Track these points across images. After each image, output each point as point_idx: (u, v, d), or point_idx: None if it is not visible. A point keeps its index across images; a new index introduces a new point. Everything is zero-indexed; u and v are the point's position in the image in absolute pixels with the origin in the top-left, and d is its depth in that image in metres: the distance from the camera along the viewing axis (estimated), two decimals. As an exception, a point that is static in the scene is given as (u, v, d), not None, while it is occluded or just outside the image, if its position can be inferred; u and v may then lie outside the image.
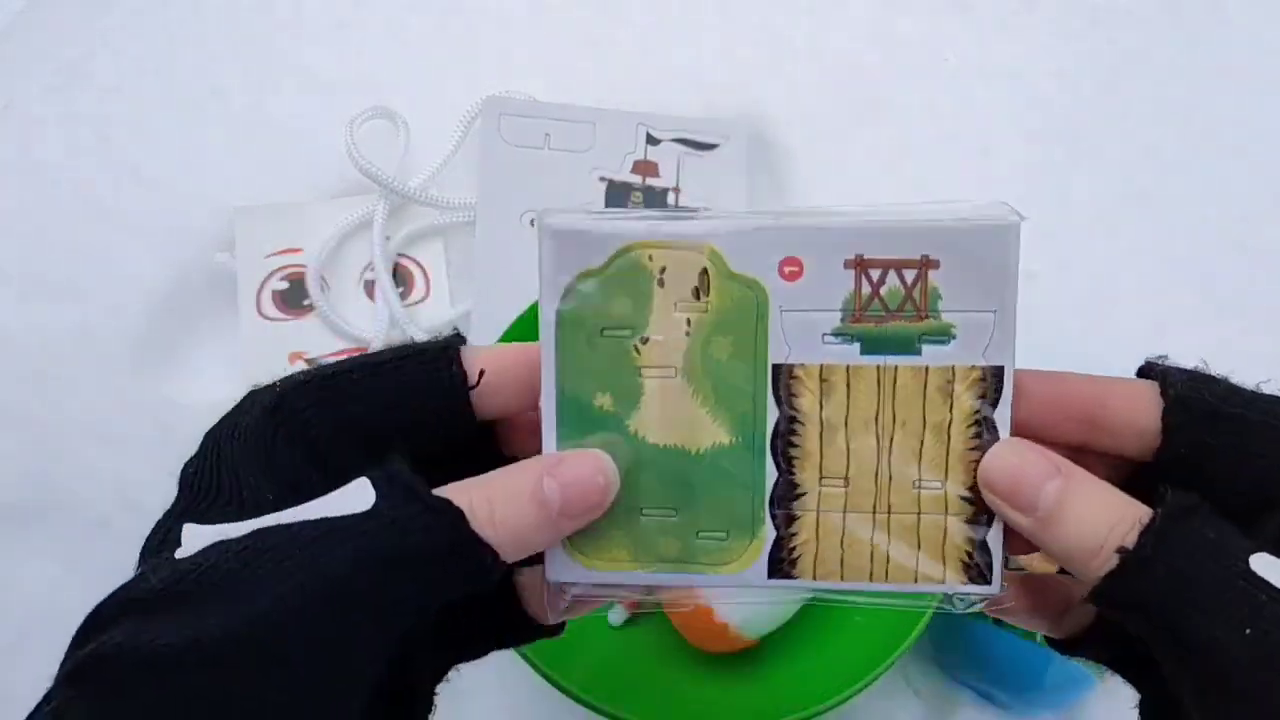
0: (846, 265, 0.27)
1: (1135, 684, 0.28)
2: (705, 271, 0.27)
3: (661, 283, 0.28)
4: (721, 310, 0.28)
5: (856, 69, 0.66)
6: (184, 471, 0.26)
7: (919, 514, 0.28)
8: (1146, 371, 0.27)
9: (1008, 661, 0.48)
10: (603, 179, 0.62)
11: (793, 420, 0.28)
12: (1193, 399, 0.25)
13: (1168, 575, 0.22)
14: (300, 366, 0.59)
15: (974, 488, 0.27)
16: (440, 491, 0.23)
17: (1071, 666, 0.48)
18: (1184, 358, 0.59)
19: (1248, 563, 0.22)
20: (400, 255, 0.62)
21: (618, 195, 0.62)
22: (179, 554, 0.23)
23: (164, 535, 0.24)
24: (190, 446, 0.59)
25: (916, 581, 0.28)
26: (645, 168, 0.63)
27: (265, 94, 0.66)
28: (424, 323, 0.59)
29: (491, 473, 0.25)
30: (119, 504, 0.56)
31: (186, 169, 0.64)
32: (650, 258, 0.27)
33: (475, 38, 0.68)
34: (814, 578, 0.29)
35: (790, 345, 0.28)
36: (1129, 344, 0.60)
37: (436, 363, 0.26)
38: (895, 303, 0.27)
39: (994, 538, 0.27)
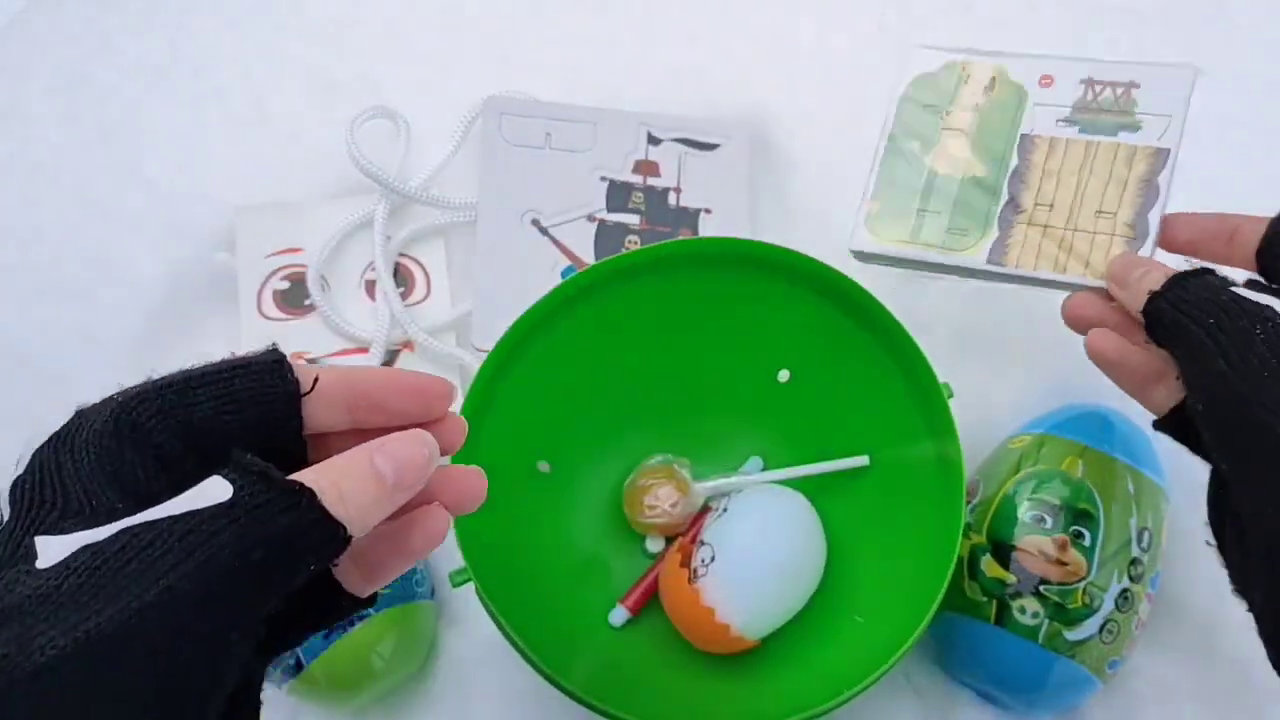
0: (1081, 82, 0.49)
1: (1208, 460, 0.38)
2: (994, 77, 0.50)
3: (966, 80, 0.51)
4: (999, 101, 0.50)
5: (858, 68, 0.66)
6: (12, 490, 0.26)
7: (1094, 232, 0.46)
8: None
9: (1009, 662, 0.48)
10: (604, 179, 0.62)
11: (1025, 167, 0.48)
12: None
13: (1180, 299, 0.38)
14: (301, 366, 0.59)
15: (1134, 221, 0.46)
16: (291, 477, 0.25)
17: (1073, 668, 0.48)
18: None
19: (1231, 289, 0.37)
20: (401, 255, 0.62)
21: (619, 195, 0.62)
22: (40, 564, 0.23)
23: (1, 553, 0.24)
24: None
25: (1086, 273, 0.45)
26: (646, 167, 0.62)
27: (266, 93, 0.66)
28: (425, 322, 0.59)
29: (329, 460, 0.27)
30: (119, 504, 0.55)
31: (187, 168, 0.64)
32: (963, 67, 0.51)
33: (476, 37, 0.68)
34: (1015, 265, 0.47)
35: (1035, 123, 0.49)
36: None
37: (270, 372, 0.28)
38: (1108, 105, 0.48)
39: (1144, 252, 0.45)
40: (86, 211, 0.62)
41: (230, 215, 0.62)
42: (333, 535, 0.25)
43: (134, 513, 0.24)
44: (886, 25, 0.68)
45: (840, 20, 0.68)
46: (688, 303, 0.52)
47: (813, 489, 0.53)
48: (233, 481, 0.24)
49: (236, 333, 0.60)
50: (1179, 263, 0.42)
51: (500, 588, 0.45)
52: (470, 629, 0.54)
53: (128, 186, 0.63)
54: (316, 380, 0.29)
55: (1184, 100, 0.47)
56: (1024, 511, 0.49)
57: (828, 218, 0.63)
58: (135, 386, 0.28)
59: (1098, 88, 0.49)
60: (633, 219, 0.62)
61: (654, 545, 0.54)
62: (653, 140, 0.63)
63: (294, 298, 0.60)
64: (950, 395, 0.48)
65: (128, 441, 0.26)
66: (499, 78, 0.65)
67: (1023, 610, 0.48)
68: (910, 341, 0.48)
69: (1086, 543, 0.48)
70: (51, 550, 0.23)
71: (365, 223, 0.61)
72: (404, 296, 0.60)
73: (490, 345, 0.48)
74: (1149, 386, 0.41)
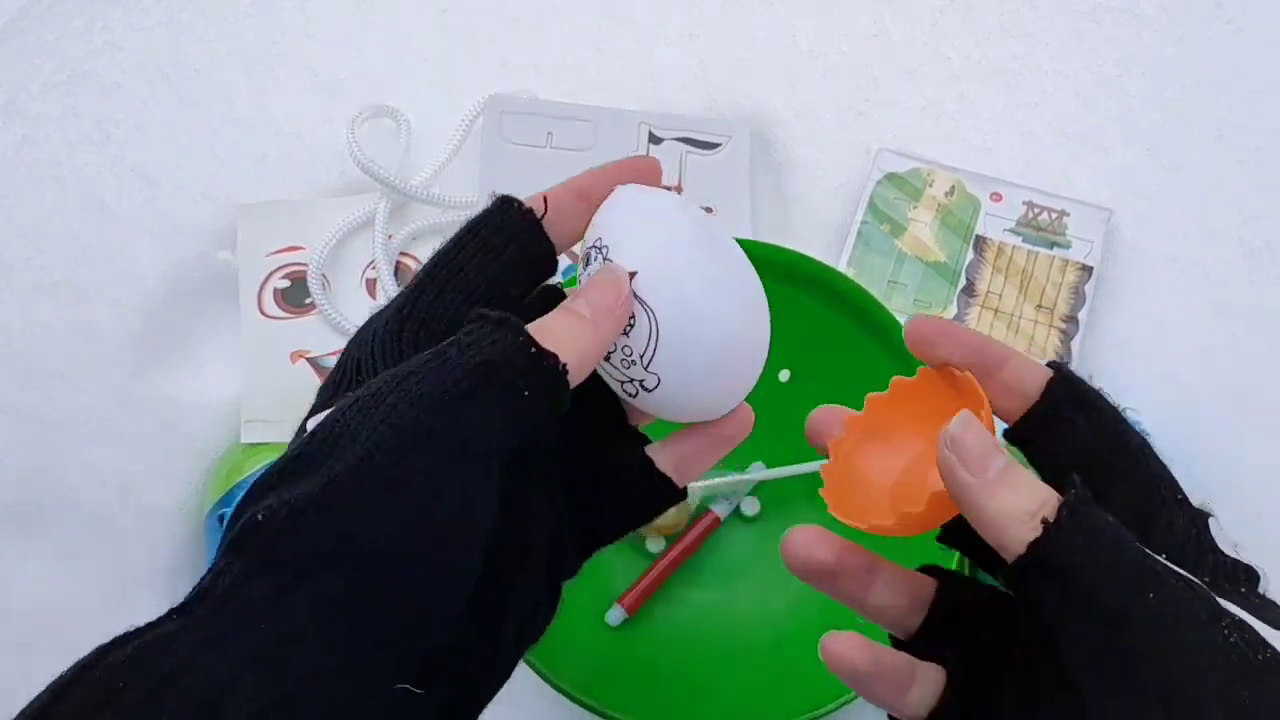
0: (1023, 203, 0.62)
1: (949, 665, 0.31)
2: (954, 186, 0.62)
3: (930, 184, 0.62)
4: (957, 206, 0.61)
5: (858, 68, 0.66)
6: (321, 391, 0.29)
7: (1036, 321, 0.59)
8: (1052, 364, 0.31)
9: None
10: (604, 178, 0.62)
11: (979, 261, 0.60)
12: (1075, 380, 0.30)
13: (1085, 543, 0.25)
14: (302, 365, 0.59)
15: (1068, 316, 0.59)
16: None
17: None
18: (1181, 355, 0.59)
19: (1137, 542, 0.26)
20: (402, 254, 0.62)
21: (619, 194, 0.62)
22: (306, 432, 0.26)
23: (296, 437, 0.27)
24: (191, 444, 0.59)
25: (1027, 352, 0.50)
26: (647, 167, 0.62)
27: (267, 92, 0.66)
28: (425, 322, 0.59)
29: None
30: (119, 503, 0.56)
31: (188, 167, 0.64)
32: (928, 173, 0.62)
33: (477, 36, 0.68)
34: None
35: (987, 228, 0.61)
36: (1124, 341, 0.60)
37: (502, 212, 0.30)
38: (1045, 225, 0.61)
39: (1077, 343, 0.58)
40: (88, 209, 0.62)
41: (232, 213, 0.62)
42: (539, 364, 0.26)
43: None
44: (885, 26, 0.68)
45: (840, 20, 0.68)
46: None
47: (813, 490, 0.53)
48: (461, 328, 0.27)
49: (237, 330, 0.60)
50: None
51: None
52: (470, 628, 0.54)
53: (129, 184, 0.63)
54: (546, 201, 0.30)
55: (1102, 231, 0.61)
56: (1024, 512, 0.49)
57: (828, 218, 0.63)
58: (410, 286, 0.30)
59: (1036, 210, 0.61)
60: (633, 218, 0.62)
61: (654, 545, 0.54)
62: (654, 139, 0.63)
63: (295, 296, 0.60)
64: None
65: (408, 331, 0.29)
66: (500, 77, 0.65)
67: (1022, 611, 0.48)
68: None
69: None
70: (314, 423, 0.26)
71: (366, 221, 0.61)
72: (405, 295, 0.60)
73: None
74: (905, 691, 0.30)
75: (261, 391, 0.58)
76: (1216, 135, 0.64)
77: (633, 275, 0.29)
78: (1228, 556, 0.28)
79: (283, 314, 0.60)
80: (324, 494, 0.24)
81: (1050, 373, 0.30)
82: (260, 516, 0.24)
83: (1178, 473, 0.55)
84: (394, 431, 0.24)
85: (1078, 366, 0.58)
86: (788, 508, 0.55)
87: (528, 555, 0.29)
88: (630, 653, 0.51)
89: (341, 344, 0.59)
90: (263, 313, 0.60)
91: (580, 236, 0.31)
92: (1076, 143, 0.64)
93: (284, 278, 0.61)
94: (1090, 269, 0.60)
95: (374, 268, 0.60)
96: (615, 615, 0.52)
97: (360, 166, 0.59)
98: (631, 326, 0.29)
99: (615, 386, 0.31)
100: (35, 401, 0.57)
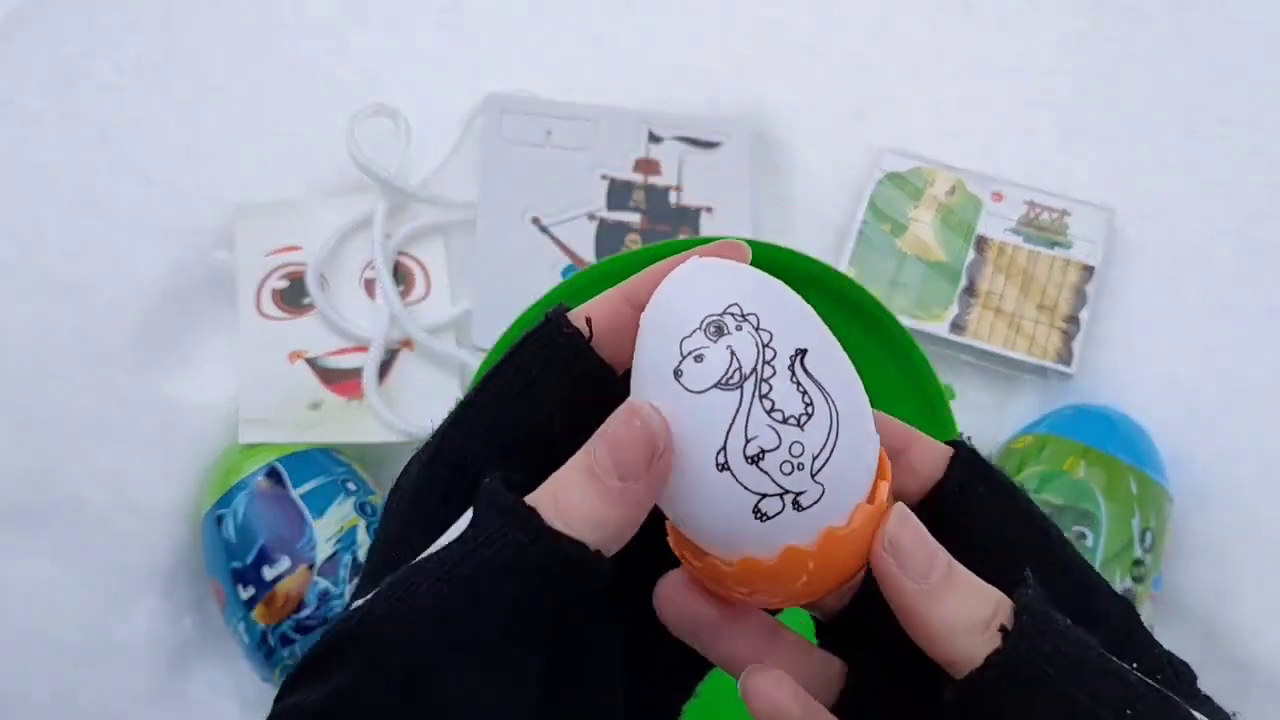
0: (1025, 203, 0.62)
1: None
2: (955, 186, 0.62)
3: (931, 183, 0.62)
4: (959, 205, 0.62)
5: (859, 67, 0.66)
6: (368, 552, 0.27)
7: (1037, 321, 0.58)
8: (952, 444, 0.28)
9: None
10: (604, 177, 0.62)
11: (981, 261, 0.60)
12: (980, 459, 0.27)
13: (1051, 653, 0.22)
14: (300, 366, 0.58)
15: (1069, 316, 0.59)
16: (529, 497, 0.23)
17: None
18: (1182, 356, 0.58)
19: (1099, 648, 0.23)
20: (401, 253, 0.62)
21: (619, 193, 0.62)
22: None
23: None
24: (189, 444, 0.59)
25: (1029, 352, 0.57)
26: (647, 166, 0.62)
27: (265, 91, 0.66)
28: (424, 321, 0.59)
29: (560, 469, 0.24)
30: (119, 504, 0.55)
31: (186, 166, 0.63)
32: (929, 173, 0.62)
33: (476, 35, 0.68)
34: (975, 336, 0.58)
35: (989, 228, 0.61)
36: (1125, 341, 0.60)
37: (551, 338, 0.25)
38: (1046, 225, 0.61)
39: (1078, 344, 0.58)
40: (85, 209, 0.62)
41: (229, 213, 0.61)
42: (564, 552, 0.22)
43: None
44: (886, 25, 0.68)
45: (841, 19, 0.68)
46: (688, 302, 0.52)
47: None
48: (473, 511, 0.23)
49: (235, 331, 0.59)
50: None
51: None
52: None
53: (126, 184, 0.63)
54: (589, 321, 0.25)
55: (1104, 231, 0.61)
56: (1025, 512, 0.49)
57: (828, 217, 0.63)
58: (446, 425, 0.26)
59: (1038, 210, 0.61)
60: (633, 217, 0.61)
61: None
62: (654, 138, 0.63)
63: (293, 296, 0.60)
64: (953, 397, 0.48)
65: (436, 480, 0.25)
66: (499, 75, 0.64)
67: (1024, 611, 0.47)
68: (912, 343, 0.48)
69: (1088, 543, 0.48)
70: (354, 605, 0.23)
71: (365, 221, 0.61)
72: (403, 295, 0.60)
73: (490, 344, 0.48)
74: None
75: (260, 392, 0.57)
76: (1219, 135, 0.64)
77: (802, 354, 0.23)
78: (1164, 650, 0.26)
79: (281, 314, 0.60)
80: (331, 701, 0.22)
81: (952, 450, 0.27)
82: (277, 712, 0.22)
83: (1178, 472, 0.55)
84: (382, 651, 0.22)
85: (1079, 367, 0.58)
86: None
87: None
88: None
89: (340, 344, 0.59)
90: (261, 313, 0.60)
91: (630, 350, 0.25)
92: (1078, 142, 0.64)
93: (282, 278, 0.60)
94: (1092, 269, 0.60)
95: (372, 268, 0.60)
96: (615, 616, 0.51)
97: (359, 166, 0.59)
98: (809, 416, 0.23)
99: (726, 504, 0.23)
100: (33, 401, 0.56)
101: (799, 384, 0.23)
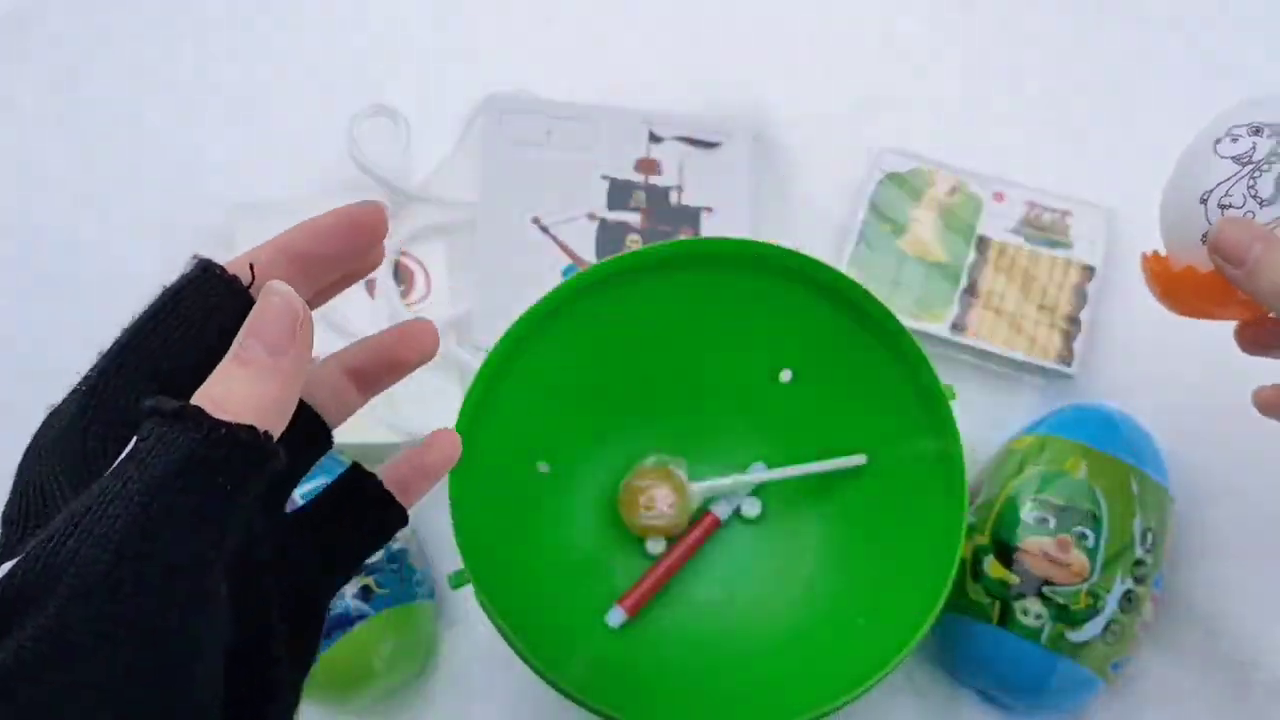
0: (1025, 203, 0.61)
1: None
2: (955, 186, 0.62)
3: (932, 184, 0.62)
4: (959, 205, 0.61)
5: (859, 67, 0.66)
6: (4, 517, 0.25)
7: (1037, 321, 0.58)
8: None
9: (1012, 664, 0.48)
10: (605, 177, 0.62)
11: (982, 261, 0.60)
12: None
13: None
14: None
15: (1070, 316, 0.58)
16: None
17: (1076, 669, 0.47)
18: (1183, 356, 0.58)
19: None
20: (401, 253, 0.62)
21: (620, 194, 0.62)
22: None
23: None
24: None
25: (1029, 352, 0.57)
26: (647, 166, 0.62)
27: (264, 91, 0.66)
28: (424, 321, 0.59)
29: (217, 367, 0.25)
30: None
31: (185, 167, 0.63)
32: (930, 173, 0.62)
33: (476, 35, 0.68)
34: (975, 336, 0.58)
35: (989, 228, 0.61)
36: (1125, 341, 0.60)
37: (205, 282, 0.27)
38: (1047, 225, 0.61)
39: (1079, 344, 0.58)
40: (83, 209, 0.62)
41: (229, 213, 0.61)
42: (234, 445, 0.22)
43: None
44: (887, 24, 0.68)
45: (842, 19, 0.68)
46: (689, 303, 0.52)
47: (814, 491, 0.53)
48: (139, 430, 0.23)
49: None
50: None
51: (498, 588, 0.45)
52: (470, 629, 0.54)
53: (125, 184, 0.63)
54: (252, 267, 0.27)
55: (1105, 231, 0.61)
56: (1026, 512, 0.49)
57: (829, 217, 0.63)
58: (91, 371, 0.27)
59: (1038, 210, 0.61)
60: (634, 218, 0.61)
61: (654, 547, 0.54)
62: (654, 139, 0.63)
63: (293, 296, 0.60)
64: (953, 397, 0.48)
65: (94, 428, 0.25)
66: (500, 75, 0.64)
67: (1025, 611, 0.47)
68: (912, 343, 0.48)
69: (1090, 543, 0.48)
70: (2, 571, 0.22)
71: (365, 221, 0.61)
72: (404, 295, 0.60)
73: (490, 344, 0.48)
74: None
75: (260, 392, 0.57)
76: (1218, 134, 0.64)
77: None
78: None
79: (281, 314, 0.60)
80: (15, 662, 0.20)
81: None
82: None
83: (1178, 472, 0.55)
84: (87, 582, 0.21)
85: (1080, 367, 0.58)
86: (788, 509, 0.54)
87: (269, 641, 0.27)
88: (631, 654, 0.51)
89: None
90: (261, 313, 0.59)
91: (304, 299, 0.26)
92: (1080, 142, 0.64)
93: (282, 277, 0.60)
94: (1093, 269, 0.60)
95: (373, 267, 0.60)
96: (616, 616, 0.51)
97: (359, 166, 0.59)
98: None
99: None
100: (32, 401, 0.56)
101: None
